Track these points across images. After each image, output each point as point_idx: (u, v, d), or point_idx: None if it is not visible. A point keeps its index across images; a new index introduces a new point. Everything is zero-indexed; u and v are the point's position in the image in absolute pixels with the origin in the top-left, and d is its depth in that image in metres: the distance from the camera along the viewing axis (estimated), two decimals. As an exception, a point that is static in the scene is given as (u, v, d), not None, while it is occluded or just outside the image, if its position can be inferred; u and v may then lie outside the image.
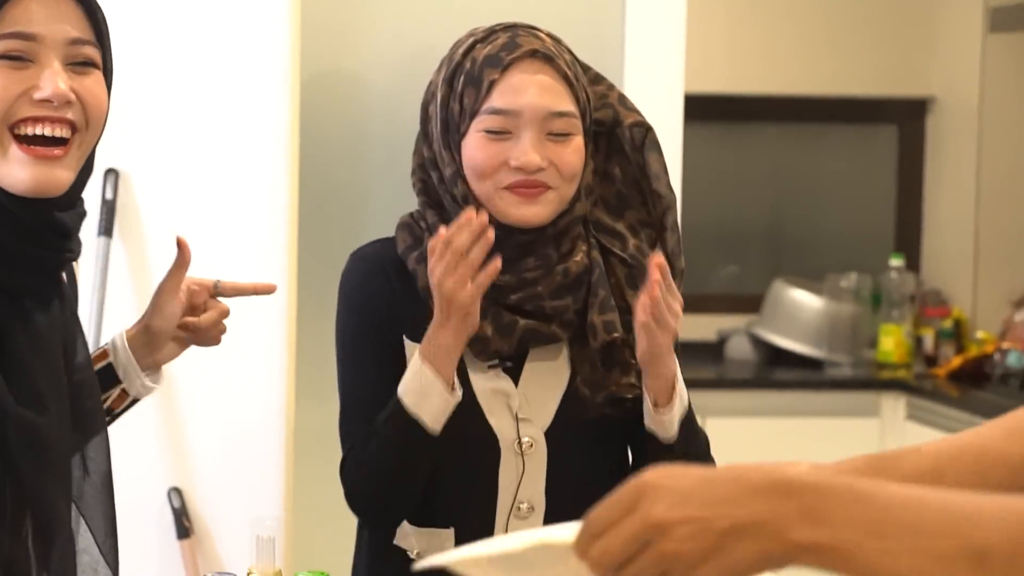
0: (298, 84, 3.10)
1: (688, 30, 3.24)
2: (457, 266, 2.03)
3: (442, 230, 2.05)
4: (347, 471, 2.17)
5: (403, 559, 2.17)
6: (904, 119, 5.41)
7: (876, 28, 5.18)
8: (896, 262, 5.16)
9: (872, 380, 4.90)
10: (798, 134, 5.44)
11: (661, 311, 2.05)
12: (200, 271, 3.13)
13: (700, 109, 4.85)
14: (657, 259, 2.06)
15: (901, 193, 5.44)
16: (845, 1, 5.26)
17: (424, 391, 2.07)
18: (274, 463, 3.05)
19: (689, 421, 2.16)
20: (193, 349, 2.10)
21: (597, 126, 2.18)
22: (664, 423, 2.12)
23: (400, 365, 2.15)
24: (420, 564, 1.72)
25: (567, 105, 2.11)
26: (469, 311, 2.05)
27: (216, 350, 3.14)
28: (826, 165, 5.45)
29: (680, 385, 2.14)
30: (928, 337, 5.09)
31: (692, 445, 2.16)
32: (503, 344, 2.13)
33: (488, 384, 2.14)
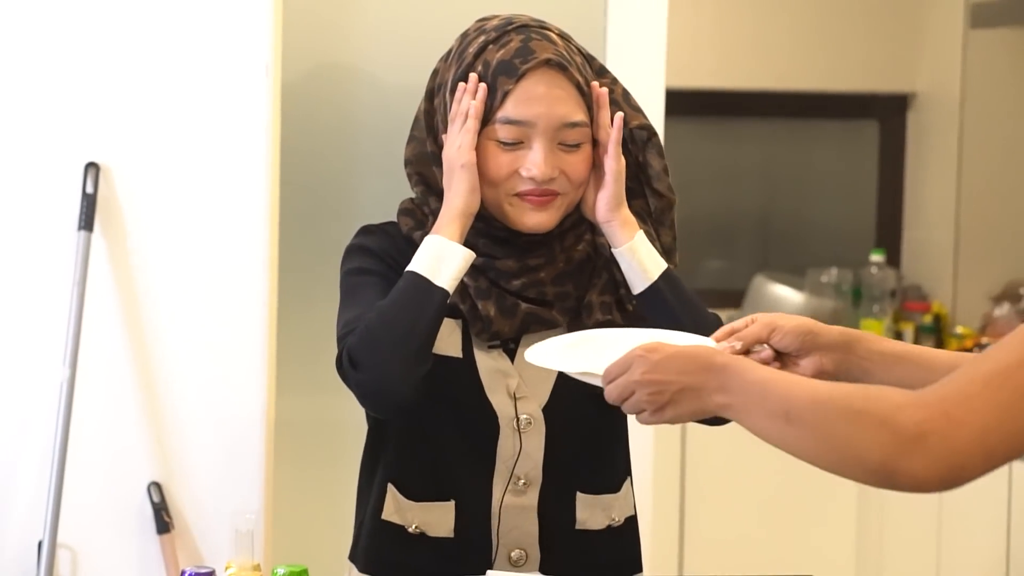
0: (279, 77, 3.10)
1: (675, 26, 3.25)
2: (454, 133, 2.10)
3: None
4: (349, 336, 2.12)
5: (400, 535, 2.20)
6: (886, 115, 5.42)
7: (859, 24, 5.19)
8: (877, 257, 5.18)
9: (853, 375, 4.91)
10: (784, 129, 5.45)
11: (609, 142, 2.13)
12: (182, 265, 3.14)
13: (686, 104, 4.85)
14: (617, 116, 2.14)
15: (882, 188, 5.45)
16: (829, -3, 5.28)
17: (440, 255, 2.09)
18: (254, 458, 3.05)
19: (673, 275, 2.18)
20: (174, 345, 2.09)
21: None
22: (634, 260, 2.15)
23: None
24: (531, 356, 1.97)
25: (579, 115, 2.13)
26: (464, 163, 2.10)
27: (197, 345, 3.15)
28: (810, 160, 5.46)
29: (651, 246, 2.17)
30: (908, 332, 5.10)
31: (677, 288, 2.18)
32: (505, 325, 2.15)
33: (490, 362, 2.17)
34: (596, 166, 2.17)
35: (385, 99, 3.17)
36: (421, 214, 2.22)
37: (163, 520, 3.05)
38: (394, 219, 2.24)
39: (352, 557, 2.28)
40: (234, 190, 3.08)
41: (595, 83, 2.15)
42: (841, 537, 4.67)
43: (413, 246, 2.16)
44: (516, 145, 2.12)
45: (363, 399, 2.09)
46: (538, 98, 2.11)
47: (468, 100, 2.11)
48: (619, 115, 2.15)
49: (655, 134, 2.24)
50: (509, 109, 2.11)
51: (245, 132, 3.07)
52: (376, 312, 2.09)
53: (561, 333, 2.18)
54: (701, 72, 5.20)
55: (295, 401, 3.12)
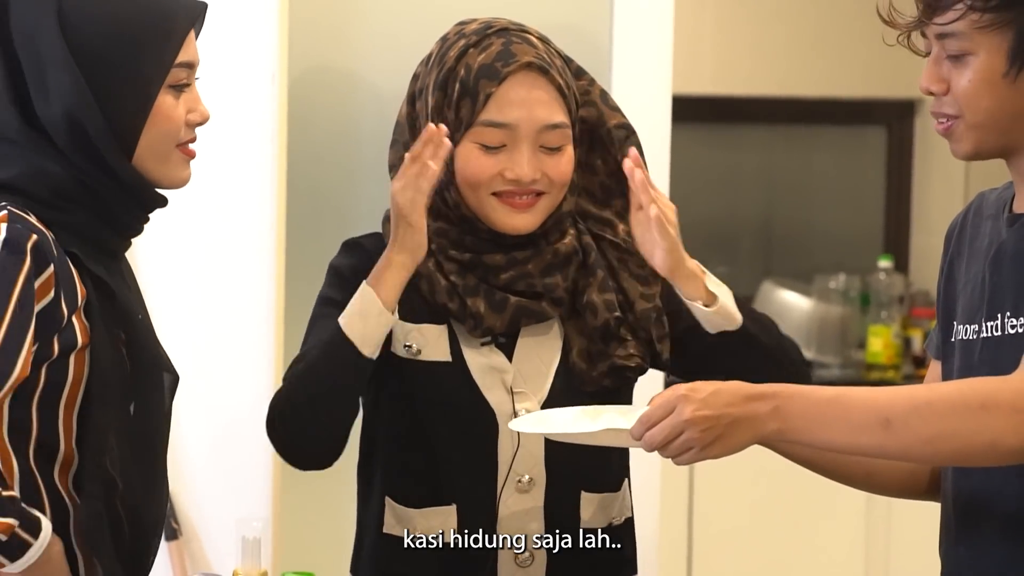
0: (285, 84, 3.10)
1: (677, 32, 3.25)
2: (407, 171, 2.10)
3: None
4: (275, 395, 2.18)
5: (401, 546, 2.19)
6: (893, 120, 5.41)
7: (863, 29, 5.18)
8: (884, 263, 5.17)
9: (861, 381, 4.90)
10: (787, 135, 5.45)
11: (662, 204, 2.12)
12: (188, 271, 3.13)
13: (689, 110, 4.85)
14: (632, 156, 2.12)
15: (889, 194, 5.44)
16: (834, 3, 5.27)
17: (363, 311, 2.10)
18: (261, 464, 3.04)
19: (744, 304, 2.22)
20: (181, 351, 2.10)
21: (580, 122, 2.20)
22: (724, 314, 2.17)
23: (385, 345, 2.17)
24: (516, 425, 2.01)
25: (560, 117, 2.15)
26: (411, 221, 2.10)
27: (204, 351, 3.15)
28: (815, 166, 5.46)
29: (712, 277, 2.20)
30: (916, 338, 5.09)
31: (759, 322, 2.21)
32: (496, 321, 2.16)
33: (483, 360, 2.15)
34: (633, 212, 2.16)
35: (390, 106, 3.15)
36: None
37: (171, 527, 3.04)
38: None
39: (354, 570, 2.28)
40: (241, 196, 3.08)
41: (627, 163, 2.13)
42: (850, 543, 4.66)
43: None
44: (498, 148, 2.13)
45: (281, 454, 2.15)
46: (520, 101, 2.12)
47: (428, 150, 2.10)
48: (627, 163, 2.13)
49: (633, 132, 2.25)
50: (492, 112, 2.12)
51: (252, 139, 3.07)
52: (299, 372, 2.12)
53: (553, 325, 2.19)
54: (704, 78, 5.20)
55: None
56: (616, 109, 2.25)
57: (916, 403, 1.78)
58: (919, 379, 4.88)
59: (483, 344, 2.17)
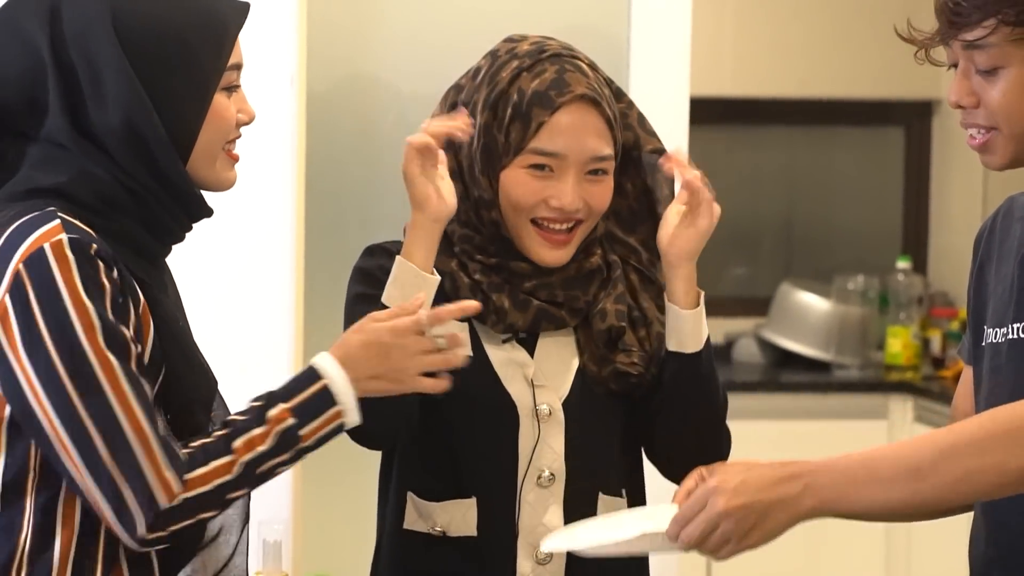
0: (304, 87, 3.11)
1: (696, 33, 3.25)
2: (414, 141, 2.11)
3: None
4: None
5: (422, 541, 2.20)
6: (911, 120, 5.41)
7: (881, 30, 5.17)
8: (903, 264, 5.16)
9: (880, 382, 4.90)
10: (806, 136, 5.45)
11: (703, 191, 2.18)
12: (208, 273, 3.14)
13: (708, 112, 4.84)
14: (671, 152, 2.18)
15: (908, 195, 5.44)
16: (852, 3, 5.27)
17: (401, 280, 2.11)
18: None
19: (710, 350, 2.21)
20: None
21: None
22: (692, 327, 2.17)
23: None
24: (548, 546, 1.97)
25: (608, 149, 2.17)
26: (417, 184, 2.11)
27: (224, 354, 3.15)
28: (834, 167, 5.46)
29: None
30: (936, 339, 5.08)
31: (711, 365, 2.21)
32: (518, 318, 2.17)
33: (504, 355, 2.18)
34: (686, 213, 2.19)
35: (408, 108, 3.18)
36: None
37: (191, 530, 3.05)
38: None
39: (375, 570, 2.29)
40: (260, 199, 3.09)
41: (670, 156, 2.18)
42: (870, 545, 4.65)
43: None
44: (545, 173, 2.15)
45: (351, 438, 2.12)
46: (571, 131, 2.14)
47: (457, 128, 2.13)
48: (668, 160, 2.17)
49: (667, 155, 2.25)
50: (543, 140, 2.14)
51: (271, 142, 3.08)
52: None
53: (571, 335, 2.20)
54: (723, 80, 5.20)
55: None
56: (652, 134, 2.26)
57: (941, 447, 1.77)
58: (938, 379, 4.89)
59: (504, 341, 2.18)
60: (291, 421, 1.90)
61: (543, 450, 2.17)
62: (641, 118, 2.26)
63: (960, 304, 5.21)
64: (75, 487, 1.83)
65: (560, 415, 2.18)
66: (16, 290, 1.81)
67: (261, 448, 1.89)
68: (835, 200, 5.45)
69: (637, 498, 2.27)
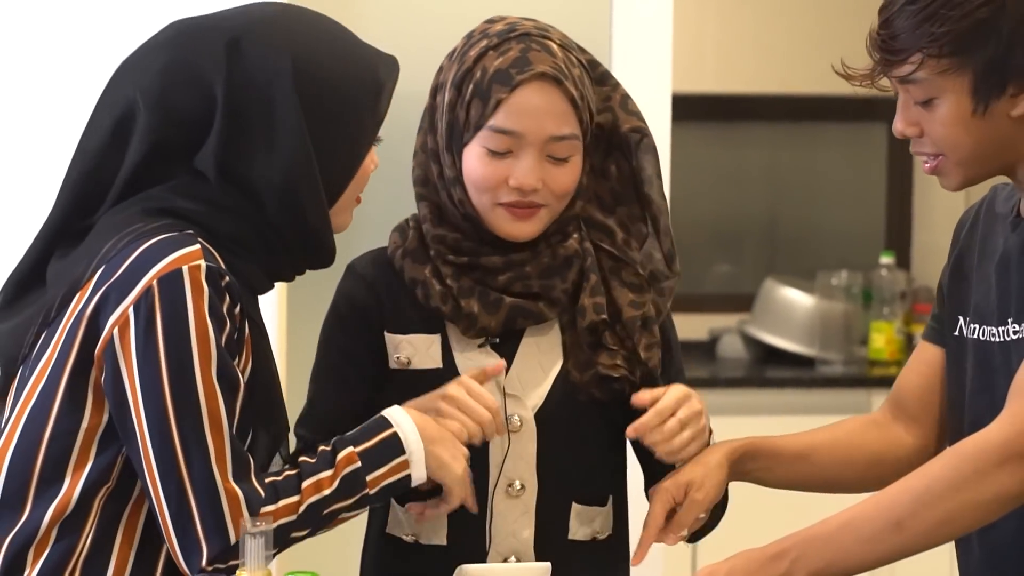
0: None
1: (679, 30, 3.25)
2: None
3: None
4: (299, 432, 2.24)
5: (400, 546, 2.21)
6: (894, 117, 5.41)
7: (866, 27, 5.19)
8: (887, 259, 5.17)
9: (864, 377, 4.90)
10: (789, 133, 5.45)
11: (668, 439, 2.13)
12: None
13: (691, 109, 4.85)
14: (637, 398, 2.14)
15: (891, 191, 5.45)
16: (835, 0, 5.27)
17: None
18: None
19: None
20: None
21: (598, 129, 2.20)
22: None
23: (381, 356, 2.20)
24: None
25: (569, 128, 2.14)
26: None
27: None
28: (817, 163, 5.46)
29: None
30: (919, 334, 5.08)
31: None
32: (490, 321, 2.16)
33: (475, 363, 2.16)
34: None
35: (393, 103, 3.18)
36: (407, 227, 2.24)
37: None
38: (391, 238, 2.26)
39: (362, 571, 2.30)
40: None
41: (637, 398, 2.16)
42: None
43: (394, 272, 2.20)
44: (505, 155, 2.13)
45: None
46: (530, 110, 2.11)
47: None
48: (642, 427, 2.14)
49: (647, 135, 2.24)
50: (500, 119, 2.12)
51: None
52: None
53: (550, 329, 2.19)
54: (705, 76, 5.20)
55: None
56: (633, 113, 2.24)
57: (917, 494, 1.81)
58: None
59: (479, 346, 2.17)
60: (358, 464, 1.93)
61: (513, 461, 2.16)
62: (624, 99, 2.23)
63: (943, 299, 5.23)
64: (151, 504, 1.86)
65: (532, 425, 2.17)
66: (144, 303, 1.83)
67: (327, 491, 1.92)
68: (818, 196, 5.46)
69: (620, 501, 2.27)
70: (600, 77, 2.22)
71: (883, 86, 2.05)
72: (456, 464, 2.00)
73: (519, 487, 2.16)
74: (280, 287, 3.08)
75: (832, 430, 2.25)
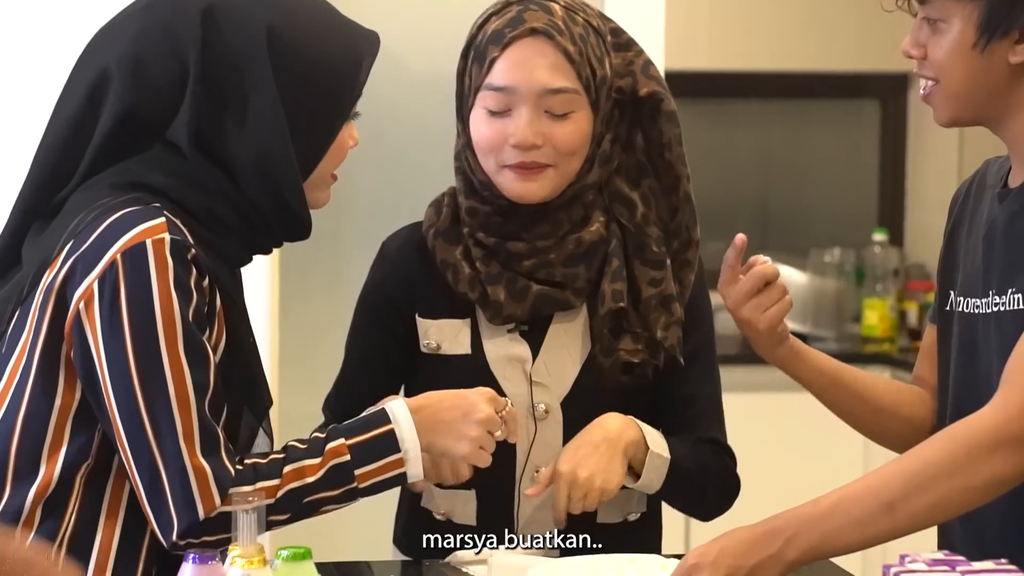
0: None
1: (671, 8, 3.24)
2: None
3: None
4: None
5: (431, 519, 2.23)
6: (887, 93, 5.41)
7: (857, 3, 5.18)
8: (879, 237, 5.17)
9: (857, 354, 4.90)
10: (782, 110, 5.44)
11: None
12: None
13: (683, 86, 4.83)
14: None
15: (884, 168, 5.44)
16: (826, -24, 5.26)
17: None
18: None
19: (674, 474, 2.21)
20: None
21: (619, 94, 2.19)
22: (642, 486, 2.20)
23: (410, 342, 2.22)
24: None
25: (564, 82, 2.12)
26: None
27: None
28: (810, 141, 5.46)
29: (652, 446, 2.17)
30: (912, 311, 5.09)
31: (678, 491, 2.23)
32: (516, 308, 2.16)
33: (503, 351, 2.18)
34: None
35: (382, 95, 3.17)
36: (441, 204, 2.24)
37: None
38: (421, 215, 2.27)
39: (395, 541, 2.31)
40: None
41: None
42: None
43: (423, 250, 2.20)
44: (503, 114, 2.13)
45: None
46: (520, 64, 2.11)
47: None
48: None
49: (665, 99, 2.21)
50: (495, 76, 2.12)
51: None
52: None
53: (578, 314, 2.18)
54: (697, 54, 5.19)
55: (298, 396, 3.11)
56: (653, 78, 2.21)
57: (908, 477, 1.82)
58: (915, 351, 4.87)
59: (508, 332, 2.17)
60: (347, 458, 1.90)
61: (539, 448, 2.17)
62: (647, 65, 2.21)
63: (935, 276, 5.22)
64: (129, 480, 1.86)
65: (558, 413, 2.17)
66: (108, 277, 1.82)
67: (310, 479, 1.90)
68: (811, 173, 5.45)
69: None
70: (624, 44, 2.21)
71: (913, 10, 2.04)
72: (459, 445, 1.98)
73: None
74: (272, 264, 3.08)
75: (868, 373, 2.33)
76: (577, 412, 2.17)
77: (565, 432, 2.17)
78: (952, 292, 2.08)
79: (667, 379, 2.21)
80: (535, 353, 2.18)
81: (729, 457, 2.30)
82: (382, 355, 2.23)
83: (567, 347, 2.19)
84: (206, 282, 1.87)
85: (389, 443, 1.92)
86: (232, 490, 1.85)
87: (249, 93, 1.89)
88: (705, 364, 2.28)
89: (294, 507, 1.90)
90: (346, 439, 1.92)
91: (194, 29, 1.88)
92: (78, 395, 1.87)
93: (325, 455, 1.91)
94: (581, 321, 2.19)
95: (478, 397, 1.98)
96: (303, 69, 1.90)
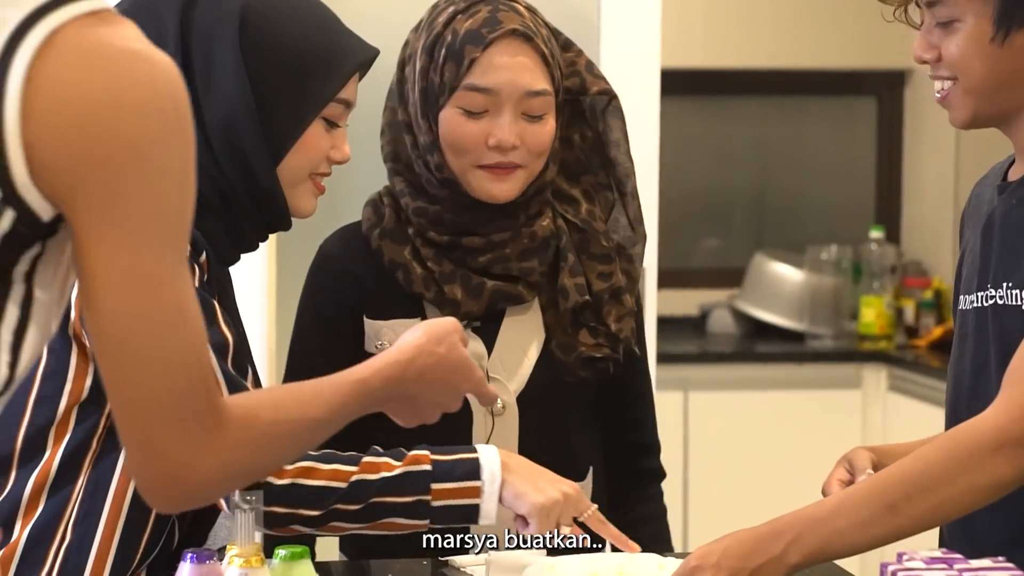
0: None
1: (667, 5, 3.24)
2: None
3: None
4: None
5: None
6: (883, 90, 5.41)
7: (854, 0, 5.18)
8: (876, 234, 5.17)
9: (854, 352, 4.91)
10: (778, 107, 5.44)
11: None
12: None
13: (680, 84, 4.84)
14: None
15: (880, 165, 5.45)
16: (823, -26, 5.26)
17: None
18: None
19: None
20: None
21: (565, 94, 2.21)
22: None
23: (356, 344, 2.19)
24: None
25: (543, 84, 2.15)
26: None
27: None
28: (806, 138, 5.46)
29: None
30: (909, 308, 5.10)
31: None
32: (473, 306, 2.16)
33: None
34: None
35: (375, 88, 3.17)
36: (382, 205, 2.24)
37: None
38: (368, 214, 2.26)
39: (342, 547, 2.30)
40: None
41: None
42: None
43: (370, 252, 2.19)
44: (481, 114, 2.14)
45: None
46: (503, 66, 2.13)
47: None
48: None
49: (614, 98, 2.25)
50: (475, 76, 2.13)
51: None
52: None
53: (529, 308, 2.19)
54: (694, 51, 5.19)
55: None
56: (600, 77, 2.25)
57: (912, 479, 1.81)
58: (911, 348, 4.90)
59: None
60: (427, 467, 1.94)
61: (496, 442, 2.14)
62: (590, 64, 2.25)
63: (933, 273, 5.23)
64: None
65: (514, 408, 2.17)
66: None
67: (385, 474, 1.95)
68: (807, 170, 5.45)
69: (598, 474, 2.27)
70: (564, 44, 2.24)
71: (915, 22, 2.03)
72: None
73: None
74: (269, 265, 3.08)
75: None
76: (533, 407, 2.18)
77: (521, 427, 2.17)
78: (961, 295, 2.08)
79: (621, 377, 2.24)
80: (489, 349, 2.18)
81: (656, 458, 2.35)
82: (329, 355, 2.18)
83: (520, 342, 2.20)
84: (202, 258, 1.89)
85: (472, 469, 1.95)
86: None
87: (216, 70, 1.92)
88: (645, 368, 2.35)
89: (363, 500, 1.91)
90: (430, 452, 1.95)
91: (176, 11, 1.93)
92: (88, 380, 1.87)
93: (406, 460, 1.94)
94: (533, 315, 2.21)
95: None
96: (271, 55, 1.93)
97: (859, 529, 1.80)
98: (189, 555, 1.64)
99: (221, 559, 1.66)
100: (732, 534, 1.84)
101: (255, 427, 1.41)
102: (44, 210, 1.28)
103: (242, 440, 1.39)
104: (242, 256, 2.05)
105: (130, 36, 1.30)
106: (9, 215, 1.27)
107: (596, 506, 2.00)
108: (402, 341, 1.74)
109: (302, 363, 2.24)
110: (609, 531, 1.99)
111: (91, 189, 1.27)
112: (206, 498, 1.45)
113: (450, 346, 1.76)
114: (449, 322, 1.78)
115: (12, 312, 1.31)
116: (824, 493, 2.02)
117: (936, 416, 5.05)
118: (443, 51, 2.14)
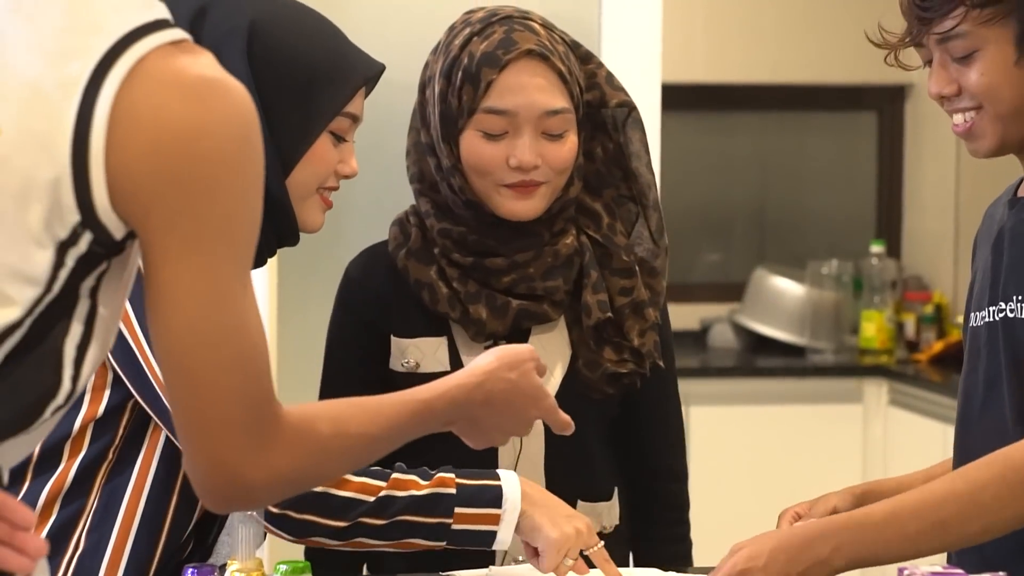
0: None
1: (669, 20, 3.25)
2: None
3: None
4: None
5: None
6: (883, 105, 5.41)
7: (854, 15, 5.19)
8: (877, 248, 5.17)
9: (854, 366, 4.91)
10: (779, 122, 5.45)
11: None
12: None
13: (680, 98, 4.85)
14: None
15: (881, 179, 5.45)
16: (823, -12, 5.27)
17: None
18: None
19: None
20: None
21: (587, 107, 2.21)
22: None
23: (383, 361, 2.21)
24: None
25: (561, 102, 2.15)
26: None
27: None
28: (807, 152, 5.46)
29: None
30: (910, 322, 5.09)
31: None
32: (498, 325, 2.17)
33: None
34: None
35: (379, 95, 3.18)
36: (408, 225, 2.24)
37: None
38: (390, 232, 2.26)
39: (372, 556, 2.28)
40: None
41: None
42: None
43: (393, 270, 2.20)
44: (501, 136, 2.14)
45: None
46: (520, 87, 2.13)
47: None
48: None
49: (634, 109, 2.24)
50: (493, 99, 2.13)
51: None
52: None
53: (555, 327, 2.20)
54: (695, 66, 5.20)
55: (297, 401, 3.12)
56: (620, 89, 2.24)
57: (964, 500, 1.82)
58: (912, 363, 4.90)
59: (486, 347, 2.16)
60: (452, 491, 1.97)
61: (524, 464, 2.16)
62: (609, 76, 2.24)
63: (934, 288, 5.23)
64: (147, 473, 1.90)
65: (540, 427, 2.16)
66: None
67: (413, 491, 1.98)
68: (808, 185, 5.46)
69: (624, 493, 2.27)
70: (584, 56, 2.24)
71: (906, 64, 2.02)
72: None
73: None
74: (271, 270, 3.09)
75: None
76: None
77: (547, 446, 2.17)
78: (972, 312, 2.07)
79: (645, 394, 2.24)
80: None
81: (680, 484, 2.39)
82: (359, 375, 2.23)
83: (547, 360, 2.19)
84: None
85: (495, 497, 1.97)
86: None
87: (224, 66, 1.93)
88: (672, 391, 2.32)
89: (389, 516, 1.94)
90: (455, 475, 1.98)
91: (185, 25, 1.94)
92: (105, 400, 1.89)
93: (432, 481, 1.96)
94: (559, 333, 2.21)
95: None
96: (280, 68, 1.94)
97: (907, 541, 1.81)
98: (190, 570, 1.64)
99: (222, 574, 1.66)
100: (772, 533, 1.85)
101: (312, 438, 1.45)
102: (118, 230, 1.33)
103: (297, 450, 1.42)
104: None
105: (208, 65, 1.35)
106: (87, 238, 1.31)
107: (603, 543, 2.01)
108: (473, 365, 1.79)
109: (336, 386, 2.25)
110: (610, 570, 2.00)
111: (166, 211, 1.32)
112: (258, 502, 1.50)
113: (523, 373, 1.80)
114: (524, 349, 1.82)
115: (76, 328, 1.34)
116: (779, 521, 2.05)
117: (937, 431, 5.06)
118: (460, 74, 2.15)
